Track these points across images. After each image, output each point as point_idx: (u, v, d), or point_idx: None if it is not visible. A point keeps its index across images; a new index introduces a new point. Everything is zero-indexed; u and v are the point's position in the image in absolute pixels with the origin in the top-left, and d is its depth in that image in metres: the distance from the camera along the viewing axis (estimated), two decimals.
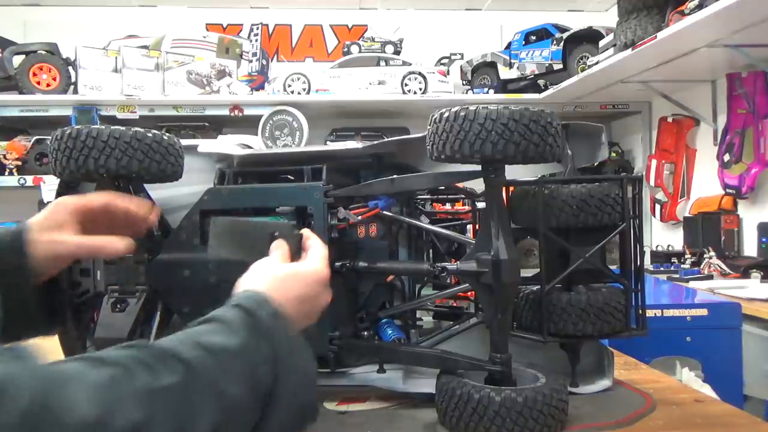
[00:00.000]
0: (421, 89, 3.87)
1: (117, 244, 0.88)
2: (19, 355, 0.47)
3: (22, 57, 3.63)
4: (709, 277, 2.80)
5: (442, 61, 4.38)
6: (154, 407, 0.50)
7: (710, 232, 3.17)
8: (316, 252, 0.82)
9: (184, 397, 0.53)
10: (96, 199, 0.92)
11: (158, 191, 1.14)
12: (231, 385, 0.57)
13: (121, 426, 0.47)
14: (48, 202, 0.94)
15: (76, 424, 0.45)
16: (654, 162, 3.67)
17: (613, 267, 1.09)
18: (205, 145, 1.31)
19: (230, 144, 1.40)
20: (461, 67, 4.24)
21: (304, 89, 3.88)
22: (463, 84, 4.23)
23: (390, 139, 1.21)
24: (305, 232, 0.85)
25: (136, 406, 0.49)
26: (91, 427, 0.45)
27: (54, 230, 0.85)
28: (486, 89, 4.07)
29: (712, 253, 2.91)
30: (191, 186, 1.18)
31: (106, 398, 0.47)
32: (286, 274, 0.76)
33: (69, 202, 0.88)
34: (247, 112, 3.81)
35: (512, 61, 3.99)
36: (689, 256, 3.04)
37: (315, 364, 0.72)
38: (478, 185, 1.17)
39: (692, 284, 2.57)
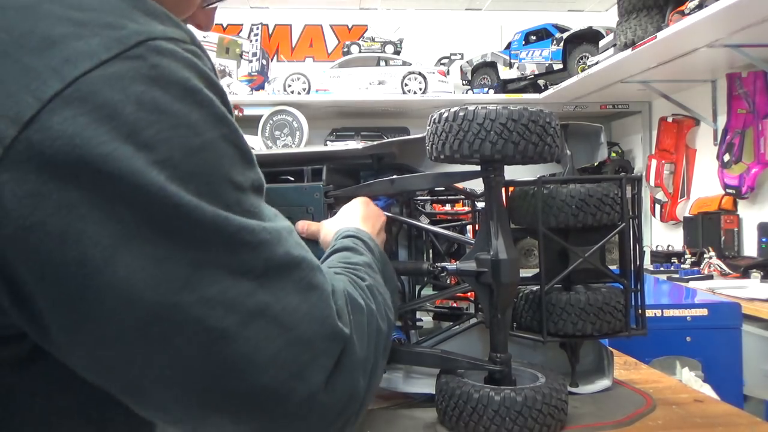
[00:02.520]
0: (421, 89, 3.87)
1: None
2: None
3: None
4: (709, 277, 2.79)
5: (442, 61, 4.38)
6: (374, 300, 0.65)
7: (710, 232, 3.17)
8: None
9: (378, 293, 0.68)
10: None
11: None
12: (383, 287, 0.72)
13: (374, 310, 0.63)
14: None
15: (360, 307, 0.61)
16: (654, 162, 3.67)
17: (612, 267, 1.09)
18: None
19: None
20: (461, 67, 4.24)
21: (304, 89, 3.89)
22: (463, 84, 4.22)
23: (390, 139, 1.21)
24: None
25: (369, 299, 0.64)
26: (365, 310, 0.61)
27: None
28: (486, 89, 4.07)
29: (712, 253, 2.91)
30: None
31: (360, 292, 0.64)
32: (355, 211, 0.97)
33: None
34: (247, 112, 3.81)
35: (512, 61, 3.99)
36: (689, 256, 3.04)
37: (396, 276, 0.90)
38: (477, 185, 1.17)
39: (692, 284, 2.57)
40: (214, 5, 0.72)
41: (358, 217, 0.95)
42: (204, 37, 3.87)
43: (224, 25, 4.50)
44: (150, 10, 0.49)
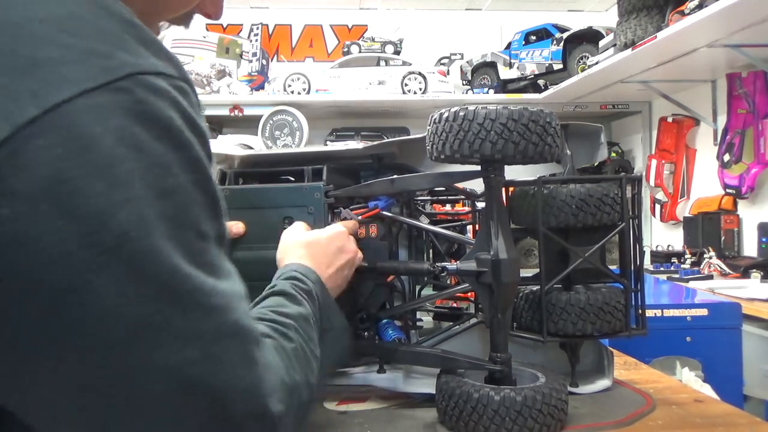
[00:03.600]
0: (421, 89, 3.87)
1: (236, 227, 1.05)
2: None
3: None
4: (709, 277, 2.79)
5: (442, 61, 4.38)
6: (298, 368, 0.61)
7: (710, 232, 3.17)
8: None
9: (304, 357, 0.64)
10: None
11: None
12: (314, 345, 0.69)
13: (297, 382, 0.59)
14: None
15: (293, 384, 0.57)
16: (654, 162, 3.67)
17: (612, 267, 1.09)
18: None
19: (230, 144, 1.40)
20: (461, 67, 4.24)
21: (304, 89, 3.89)
22: (463, 84, 4.22)
23: (390, 139, 1.21)
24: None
25: (293, 370, 0.60)
26: (289, 384, 0.57)
27: None
28: (486, 89, 4.07)
29: (712, 253, 2.91)
30: None
31: (285, 363, 0.59)
32: (310, 242, 0.93)
33: None
34: (247, 112, 3.81)
35: (512, 61, 3.99)
36: (689, 256, 3.04)
37: (344, 318, 0.85)
38: (477, 185, 1.17)
39: (692, 284, 2.57)
40: None
41: (316, 252, 0.91)
42: (204, 37, 3.88)
43: (224, 25, 4.50)
44: (144, 38, 0.47)
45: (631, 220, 1.06)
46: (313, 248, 0.92)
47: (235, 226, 1.06)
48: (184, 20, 0.69)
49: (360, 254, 1.00)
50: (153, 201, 0.44)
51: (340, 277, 0.93)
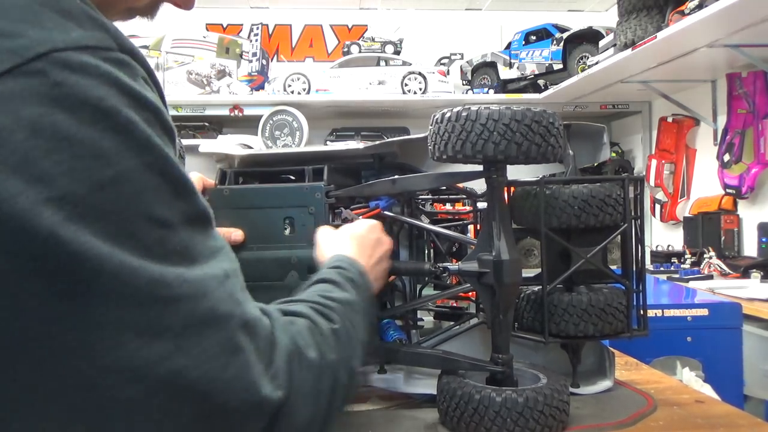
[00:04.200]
0: (421, 89, 3.87)
1: (236, 234, 1.04)
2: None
3: None
4: (709, 277, 2.79)
5: (442, 61, 4.38)
6: (337, 349, 0.60)
7: (710, 232, 3.17)
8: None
9: (347, 339, 0.63)
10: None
11: None
12: (359, 330, 0.68)
13: (333, 361, 0.58)
14: None
15: (310, 362, 0.55)
16: (654, 162, 3.67)
17: (614, 267, 1.09)
18: (205, 145, 1.31)
19: (230, 144, 1.40)
20: (461, 67, 4.24)
21: (304, 89, 3.88)
22: (463, 84, 4.22)
23: (391, 139, 1.21)
24: None
25: (330, 349, 0.58)
26: (316, 364, 0.55)
27: None
28: (486, 89, 4.07)
29: (712, 253, 2.91)
30: None
31: (318, 342, 0.57)
32: (352, 234, 0.93)
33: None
34: (247, 112, 3.81)
35: (512, 61, 3.99)
36: (689, 256, 3.04)
37: (376, 311, 0.90)
38: (479, 185, 1.17)
39: (692, 284, 2.57)
40: None
41: (357, 244, 0.91)
42: (204, 37, 3.88)
43: (224, 25, 4.49)
44: (65, 8, 0.41)
45: (633, 221, 1.06)
46: (356, 240, 0.92)
47: (234, 233, 1.04)
48: (150, 10, 0.63)
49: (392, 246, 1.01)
50: (85, 195, 0.39)
51: (380, 268, 0.93)
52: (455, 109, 0.94)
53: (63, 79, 0.39)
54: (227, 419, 0.45)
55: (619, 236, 1.05)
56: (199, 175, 1.09)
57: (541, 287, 1.03)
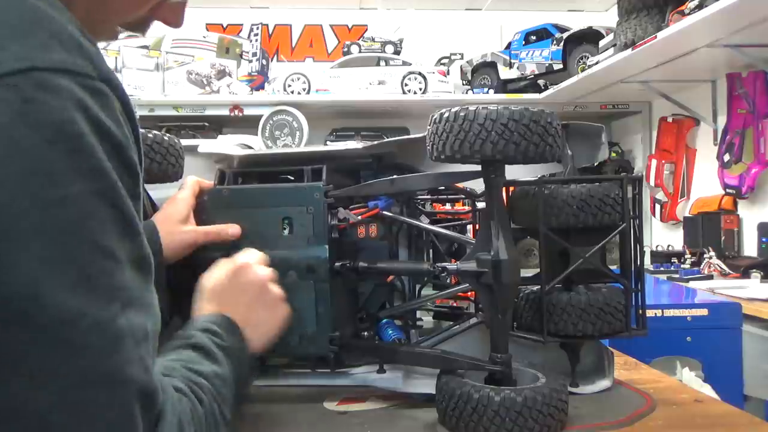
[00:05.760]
0: (421, 89, 3.87)
1: (233, 228, 1.03)
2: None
3: None
4: (709, 277, 2.80)
5: (442, 61, 4.38)
6: (207, 429, 0.57)
7: (710, 232, 3.17)
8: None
9: (213, 422, 0.60)
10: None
11: (159, 191, 1.15)
12: (226, 407, 0.64)
13: None
14: None
15: None
16: (654, 162, 3.67)
17: (613, 267, 1.09)
18: (205, 145, 1.31)
19: (230, 144, 1.40)
20: (461, 67, 4.24)
21: (304, 89, 3.88)
22: (463, 84, 4.22)
23: (390, 139, 1.21)
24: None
25: (202, 430, 0.56)
26: None
27: (179, 223, 1.01)
28: (486, 89, 4.07)
29: (712, 253, 2.91)
30: None
31: (196, 425, 0.55)
32: (216, 285, 0.82)
33: (186, 196, 1.04)
34: (247, 112, 3.81)
35: (512, 61, 3.99)
36: (689, 256, 3.04)
37: (252, 378, 0.86)
38: (478, 185, 1.17)
39: (692, 284, 2.57)
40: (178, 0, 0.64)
41: (228, 294, 0.81)
42: (204, 37, 3.88)
43: (224, 25, 4.50)
44: (54, 30, 0.42)
45: (631, 221, 1.06)
46: (222, 292, 0.81)
47: (231, 228, 1.04)
48: (140, 27, 0.63)
49: (273, 276, 0.89)
50: (27, 211, 0.38)
51: (263, 327, 0.82)
52: (453, 109, 0.94)
53: (34, 97, 0.39)
54: None
55: (617, 236, 1.05)
56: (195, 178, 1.09)
57: (540, 287, 1.03)
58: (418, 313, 1.42)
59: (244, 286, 0.83)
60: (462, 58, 4.33)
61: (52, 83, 0.40)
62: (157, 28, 0.68)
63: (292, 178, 1.18)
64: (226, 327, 0.74)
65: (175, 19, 0.64)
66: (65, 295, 0.39)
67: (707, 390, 1.34)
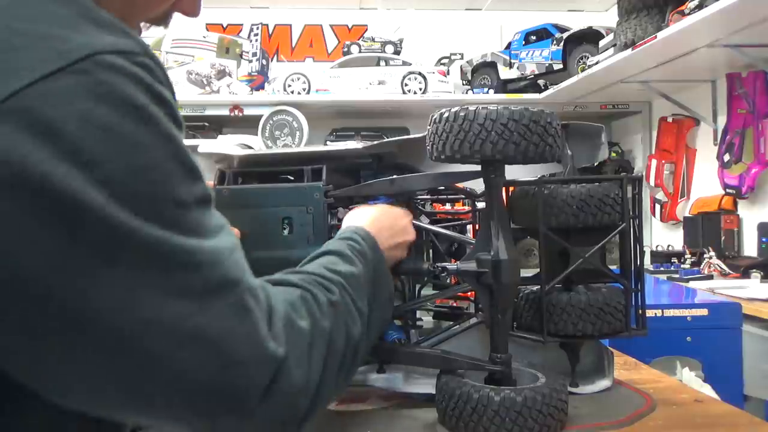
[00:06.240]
0: (421, 89, 3.87)
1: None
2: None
3: None
4: (709, 277, 2.79)
5: (442, 61, 4.38)
6: (333, 318, 0.65)
7: (710, 232, 3.17)
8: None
9: (346, 309, 0.68)
10: None
11: None
12: (361, 302, 0.72)
13: (326, 329, 0.63)
14: None
15: (301, 329, 0.60)
16: (654, 162, 3.67)
17: (613, 267, 1.09)
18: (205, 145, 1.31)
19: (230, 144, 1.40)
20: (461, 67, 4.24)
21: (304, 89, 3.88)
22: (463, 84, 4.22)
23: (390, 139, 1.21)
24: None
25: (324, 317, 0.64)
26: (306, 331, 0.60)
27: None
28: (486, 89, 4.07)
29: (712, 253, 2.91)
30: None
31: (310, 311, 0.63)
32: (380, 211, 0.96)
33: None
34: (247, 112, 3.81)
35: (512, 61, 3.99)
36: (689, 256, 3.04)
37: (393, 285, 0.88)
38: (478, 185, 1.17)
39: (692, 284, 2.57)
40: None
41: (379, 221, 0.93)
42: (204, 37, 3.88)
43: (224, 25, 4.50)
44: (99, 19, 0.47)
45: (631, 221, 1.06)
46: (379, 217, 0.94)
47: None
48: (163, 20, 0.69)
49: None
50: (124, 179, 0.45)
51: (397, 254, 0.95)
52: (453, 109, 0.94)
53: (105, 78, 0.45)
54: (239, 372, 0.51)
55: (617, 236, 1.05)
56: None
57: (540, 287, 1.03)
58: (418, 313, 1.42)
59: (381, 212, 0.96)
60: (462, 58, 4.33)
61: (113, 64, 0.46)
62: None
63: (292, 178, 1.18)
64: (363, 235, 0.84)
65: (193, 9, 0.70)
66: (168, 234, 0.48)
67: (707, 390, 1.34)
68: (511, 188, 1.11)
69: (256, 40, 4.07)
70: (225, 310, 0.51)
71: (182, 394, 0.49)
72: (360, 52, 4.08)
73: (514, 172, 1.07)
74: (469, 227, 1.46)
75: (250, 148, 1.38)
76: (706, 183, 3.38)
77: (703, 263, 2.90)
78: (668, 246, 3.42)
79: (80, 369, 0.46)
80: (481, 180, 1.01)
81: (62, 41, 0.44)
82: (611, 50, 3.15)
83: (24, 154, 0.41)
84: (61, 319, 0.44)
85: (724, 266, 2.83)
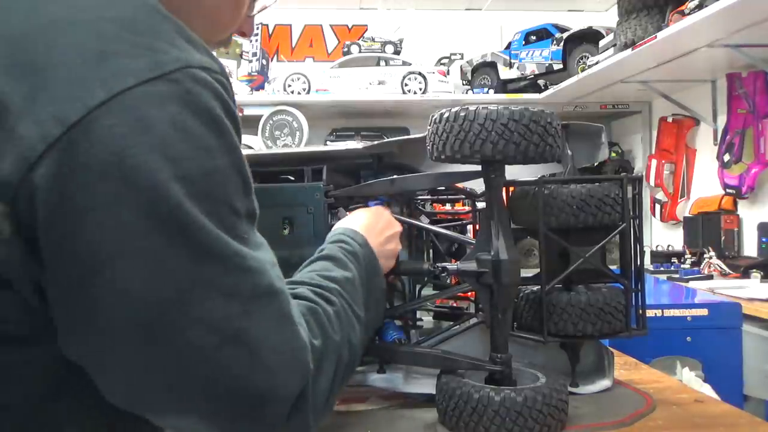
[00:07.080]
0: (421, 89, 3.87)
1: None
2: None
3: None
4: (709, 277, 2.79)
5: (442, 61, 4.37)
6: (340, 331, 0.68)
7: (710, 232, 3.17)
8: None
9: (346, 318, 0.71)
10: None
11: None
12: (357, 306, 0.75)
13: (331, 345, 0.65)
14: None
15: (314, 345, 0.62)
16: (654, 162, 3.67)
17: (613, 267, 1.09)
18: None
19: None
20: (461, 67, 4.24)
21: (304, 89, 3.88)
22: (463, 84, 4.22)
23: (390, 139, 1.21)
24: None
25: (334, 332, 0.67)
26: (319, 348, 0.63)
27: None
28: (486, 89, 4.07)
29: (712, 253, 2.91)
30: None
31: (323, 327, 0.66)
32: (360, 213, 0.98)
33: None
34: (247, 112, 3.81)
35: (512, 61, 3.99)
36: (689, 256, 3.04)
37: (384, 282, 0.90)
38: (478, 185, 1.17)
39: (692, 284, 2.57)
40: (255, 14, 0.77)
41: (366, 220, 0.95)
42: None
43: None
44: (190, 38, 0.54)
45: (631, 221, 1.06)
46: (363, 217, 0.96)
47: None
48: (226, 41, 0.75)
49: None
50: (198, 178, 0.50)
51: (390, 248, 0.97)
52: (453, 109, 0.94)
53: (192, 88, 0.51)
54: (273, 378, 0.54)
55: (617, 236, 1.05)
56: None
57: (540, 287, 1.03)
58: (418, 313, 1.42)
59: (362, 213, 0.98)
60: (462, 58, 4.33)
61: (200, 78, 0.51)
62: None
63: (293, 178, 1.18)
64: (353, 236, 0.87)
65: (249, 30, 0.77)
66: (227, 237, 0.52)
67: (707, 390, 1.34)
68: (511, 188, 1.12)
69: (256, 40, 4.06)
70: (269, 316, 0.54)
71: (217, 392, 0.52)
72: (360, 52, 4.08)
73: (514, 172, 1.07)
74: (470, 227, 1.46)
75: (250, 148, 1.38)
76: (706, 183, 3.38)
77: (703, 263, 2.90)
78: (668, 246, 3.42)
79: (125, 357, 0.50)
80: (481, 180, 1.01)
81: (163, 53, 0.50)
82: (611, 50, 3.15)
83: (123, 145, 0.47)
84: (120, 297, 0.48)
85: (724, 266, 2.83)
